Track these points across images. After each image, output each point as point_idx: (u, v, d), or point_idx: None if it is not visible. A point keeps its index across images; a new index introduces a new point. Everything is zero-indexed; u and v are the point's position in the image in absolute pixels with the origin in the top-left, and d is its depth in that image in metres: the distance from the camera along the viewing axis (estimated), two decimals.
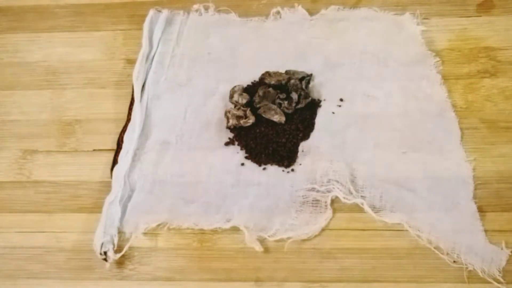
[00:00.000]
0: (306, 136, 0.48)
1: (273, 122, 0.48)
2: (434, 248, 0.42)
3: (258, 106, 0.49)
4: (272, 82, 0.50)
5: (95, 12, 0.56)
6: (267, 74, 0.51)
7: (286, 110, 0.48)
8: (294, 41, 0.55)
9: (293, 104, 0.48)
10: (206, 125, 0.50)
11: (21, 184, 0.49)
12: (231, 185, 0.47)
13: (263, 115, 0.48)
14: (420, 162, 0.46)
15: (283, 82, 0.50)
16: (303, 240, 0.44)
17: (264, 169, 0.47)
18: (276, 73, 0.51)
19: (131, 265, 0.45)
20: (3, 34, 0.56)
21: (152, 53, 0.53)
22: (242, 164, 0.48)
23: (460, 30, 0.51)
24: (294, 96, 0.49)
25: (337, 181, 0.45)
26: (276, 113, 0.48)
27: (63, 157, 0.50)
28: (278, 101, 0.49)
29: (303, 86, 0.50)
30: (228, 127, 0.49)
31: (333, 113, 0.49)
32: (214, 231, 0.45)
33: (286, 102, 0.48)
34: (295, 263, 0.43)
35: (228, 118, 0.49)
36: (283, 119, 0.48)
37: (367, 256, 0.43)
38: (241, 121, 0.48)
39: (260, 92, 0.49)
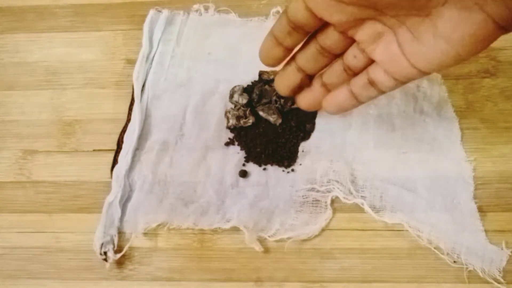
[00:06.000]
0: (306, 136, 0.48)
1: None
2: (434, 248, 0.43)
3: (256, 105, 0.49)
4: (271, 77, 0.50)
5: (95, 12, 0.56)
6: (265, 71, 0.51)
7: (280, 108, 0.48)
8: None
9: (289, 103, 0.48)
10: (206, 125, 0.50)
11: (21, 184, 0.49)
12: (231, 185, 0.47)
13: (261, 113, 0.48)
14: (420, 162, 0.46)
15: None
16: (303, 240, 0.44)
17: (264, 169, 0.47)
18: (274, 71, 0.51)
19: (131, 265, 0.45)
20: (3, 34, 0.56)
21: (152, 53, 0.53)
22: (243, 164, 0.48)
23: None
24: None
25: (337, 181, 0.45)
26: (274, 113, 0.48)
27: (63, 157, 0.50)
28: (274, 98, 0.49)
29: None
30: (228, 127, 0.49)
31: None
32: (214, 231, 0.45)
33: (282, 100, 0.48)
34: (295, 263, 0.43)
35: (228, 118, 0.49)
36: (279, 121, 0.48)
37: (367, 256, 0.43)
38: (241, 121, 0.48)
39: (257, 91, 0.49)
